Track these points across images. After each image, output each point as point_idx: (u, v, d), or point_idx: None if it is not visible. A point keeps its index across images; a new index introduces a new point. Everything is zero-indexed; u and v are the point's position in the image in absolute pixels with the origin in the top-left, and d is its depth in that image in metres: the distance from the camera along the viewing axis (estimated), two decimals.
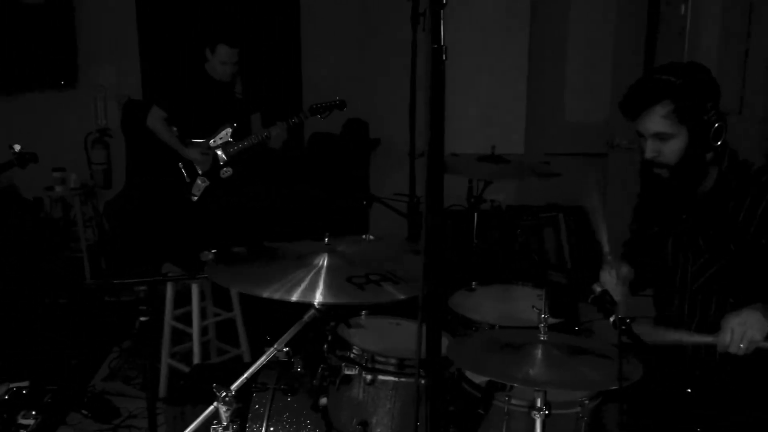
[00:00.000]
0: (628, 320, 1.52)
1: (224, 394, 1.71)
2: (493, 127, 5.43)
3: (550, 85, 5.48)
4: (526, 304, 2.73)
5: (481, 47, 5.38)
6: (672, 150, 2.02)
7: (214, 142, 3.91)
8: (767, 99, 4.73)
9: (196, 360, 3.49)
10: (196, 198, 3.92)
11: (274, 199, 4.69)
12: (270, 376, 2.46)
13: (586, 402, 2.06)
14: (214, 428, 1.71)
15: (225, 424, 1.71)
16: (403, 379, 2.06)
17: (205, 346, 3.74)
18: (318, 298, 1.70)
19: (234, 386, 1.73)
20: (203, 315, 3.68)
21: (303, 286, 1.73)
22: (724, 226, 2.08)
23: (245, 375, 1.76)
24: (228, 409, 1.72)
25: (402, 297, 1.76)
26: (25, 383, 3.53)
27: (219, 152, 3.90)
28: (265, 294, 1.65)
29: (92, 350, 4.10)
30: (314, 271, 1.80)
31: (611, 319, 1.56)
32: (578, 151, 5.24)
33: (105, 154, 5.50)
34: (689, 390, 1.87)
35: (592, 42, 5.37)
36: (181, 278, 2.87)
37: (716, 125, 2.00)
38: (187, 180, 3.91)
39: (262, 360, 1.77)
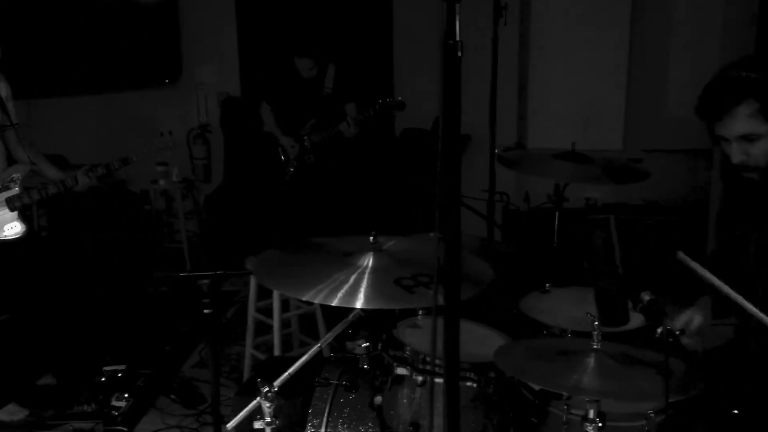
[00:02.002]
0: (677, 332, 1.41)
1: (267, 389, 1.73)
2: (591, 121, 5.24)
3: (653, 77, 5.20)
4: None
5: (580, 39, 5.19)
6: (762, 151, 1.86)
7: (303, 131, 4.44)
8: None
9: (276, 352, 3.57)
10: (288, 177, 4.48)
11: (362, 192, 4.85)
12: (334, 371, 2.48)
13: (652, 415, 1.94)
14: (257, 423, 1.73)
15: (268, 420, 1.73)
16: None
17: (287, 338, 3.82)
18: (360, 302, 1.67)
19: (277, 382, 1.75)
20: (286, 307, 3.76)
21: (345, 288, 1.70)
22: None
23: (289, 371, 1.77)
24: (271, 405, 1.73)
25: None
26: (122, 367, 3.75)
27: (306, 141, 4.44)
28: (306, 297, 1.64)
29: (185, 338, 4.28)
30: (358, 271, 1.77)
31: (659, 330, 1.45)
32: (681, 147, 4.96)
33: (205, 149, 5.73)
34: (735, 411, 1.72)
35: (698, 31, 5.05)
36: (240, 273, 2.95)
37: None
38: (282, 160, 4.49)
39: (306, 357, 1.78)
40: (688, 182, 5.16)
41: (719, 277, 2.07)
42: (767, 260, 2.00)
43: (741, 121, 1.85)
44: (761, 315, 1.80)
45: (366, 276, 1.76)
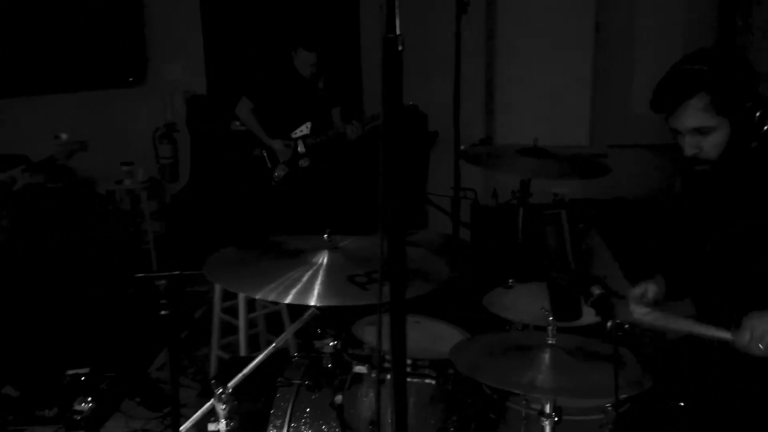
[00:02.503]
0: (626, 326, 1.42)
1: (221, 390, 1.70)
2: (558, 117, 5.27)
3: (618, 73, 5.24)
4: None
5: (546, 35, 5.22)
6: (713, 144, 1.87)
7: (295, 133, 4.24)
8: None
9: (242, 352, 3.54)
10: (275, 184, 4.27)
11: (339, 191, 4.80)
12: (297, 371, 2.46)
13: (610, 408, 1.95)
14: (211, 425, 1.71)
15: (223, 422, 1.70)
16: (415, 380, 2.01)
17: (254, 338, 3.79)
18: (314, 300, 1.66)
19: (231, 383, 1.73)
20: (252, 307, 3.73)
21: (299, 286, 1.69)
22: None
23: (243, 372, 1.74)
24: (225, 407, 1.71)
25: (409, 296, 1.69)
26: (86, 370, 3.68)
27: (299, 143, 4.22)
28: (259, 295, 1.63)
29: (151, 340, 4.23)
30: (313, 269, 1.76)
31: (608, 325, 1.46)
32: (646, 142, 5.00)
33: (172, 149, 5.66)
34: (682, 404, 1.74)
35: (661, 26, 5.10)
36: (195, 273, 2.91)
37: (759, 112, 1.84)
38: (269, 165, 4.25)
39: (261, 358, 1.76)
40: (654, 177, 5.21)
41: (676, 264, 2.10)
42: (728, 254, 2.02)
43: (692, 115, 1.86)
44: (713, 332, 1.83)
45: (320, 273, 1.75)
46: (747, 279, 1.98)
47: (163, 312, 2.18)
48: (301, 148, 4.21)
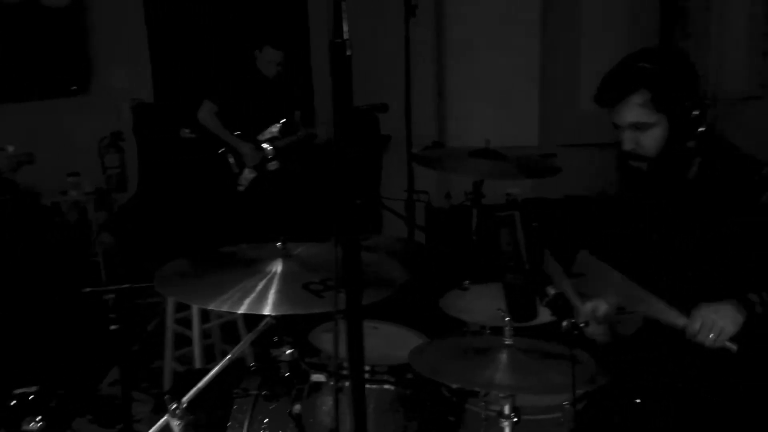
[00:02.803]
0: (582, 325, 1.43)
1: (174, 406, 1.66)
2: (508, 118, 5.32)
3: (564, 74, 5.33)
4: None
5: (494, 37, 5.27)
6: (651, 140, 1.92)
7: (263, 136, 4.12)
8: None
9: (197, 364, 3.47)
10: (242, 188, 4.14)
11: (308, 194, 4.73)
12: (254, 381, 2.42)
13: (566, 405, 1.97)
14: None
15: None
16: (374, 386, 1.99)
17: (209, 349, 3.72)
18: (269, 309, 1.63)
19: (186, 397, 1.69)
20: (206, 318, 3.66)
21: (253, 295, 1.66)
22: (708, 216, 1.97)
23: (198, 385, 1.70)
24: (180, 422, 1.66)
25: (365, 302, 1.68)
26: (34, 388, 3.56)
27: (267, 146, 4.09)
28: (212, 306, 1.59)
29: (102, 355, 4.12)
30: (267, 278, 1.73)
31: (564, 324, 1.47)
32: (594, 141, 5.08)
33: (118, 158, 5.54)
34: (638, 400, 1.77)
35: (605, 27, 5.21)
36: (146, 286, 2.85)
37: (696, 112, 1.89)
38: (236, 170, 4.12)
39: (216, 370, 1.72)
40: (602, 176, 5.30)
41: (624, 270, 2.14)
42: (671, 253, 2.06)
43: (633, 110, 1.89)
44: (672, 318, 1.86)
45: (275, 282, 1.72)
46: (692, 272, 2.03)
47: (112, 326, 2.12)
48: (270, 152, 4.10)
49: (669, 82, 1.87)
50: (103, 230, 5.36)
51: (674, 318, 1.85)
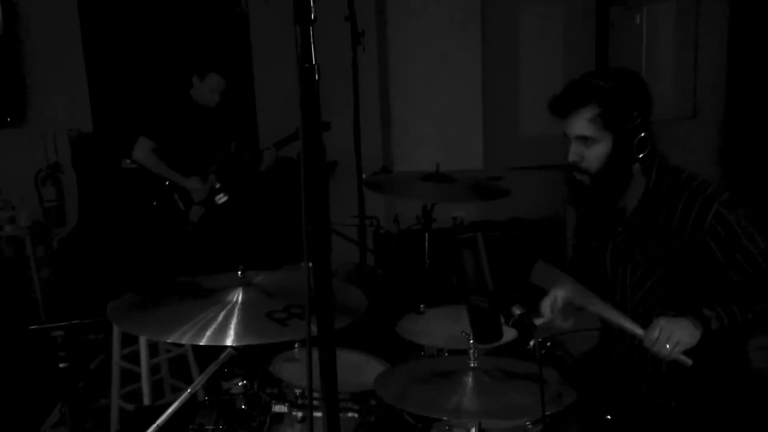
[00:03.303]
0: (548, 344, 1.44)
1: None
2: (452, 143, 5.39)
3: (506, 98, 5.45)
4: None
5: (436, 62, 5.35)
6: (594, 156, 1.97)
7: (208, 168, 3.96)
8: (717, 104, 4.76)
9: (146, 400, 3.36)
10: (192, 227, 3.96)
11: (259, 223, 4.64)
12: (210, 416, 2.35)
13: (529, 426, 1.97)
14: None
15: None
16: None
17: (158, 384, 3.61)
18: (231, 340, 1.59)
19: None
20: (154, 352, 3.55)
21: (214, 326, 1.62)
22: (657, 236, 2.02)
23: (157, 423, 1.65)
24: None
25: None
26: None
27: (213, 179, 3.95)
28: (171, 339, 1.54)
29: (44, 395, 3.95)
30: (228, 308, 1.69)
31: (531, 343, 1.48)
32: (537, 164, 5.20)
33: (56, 191, 5.37)
34: (608, 417, 1.80)
35: (543, 52, 5.37)
36: (97, 321, 2.76)
37: (641, 135, 1.95)
38: (182, 208, 3.93)
39: (176, 406, 1.66)
40: (547, 197, 5.42)
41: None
42: (623, 273, 2.11)
43: (581, 123, 1.95)
44: (629, 326, 1.91)
45: (236, 312, 1.68)
46: (646, 289, 2.08)
47: (62, 365, 2.03)
48: (216, 184, 3.95)
49: (618, 101, 1.93)
50: (42, 266, 5.18)
51: (630, 326, 1.89)
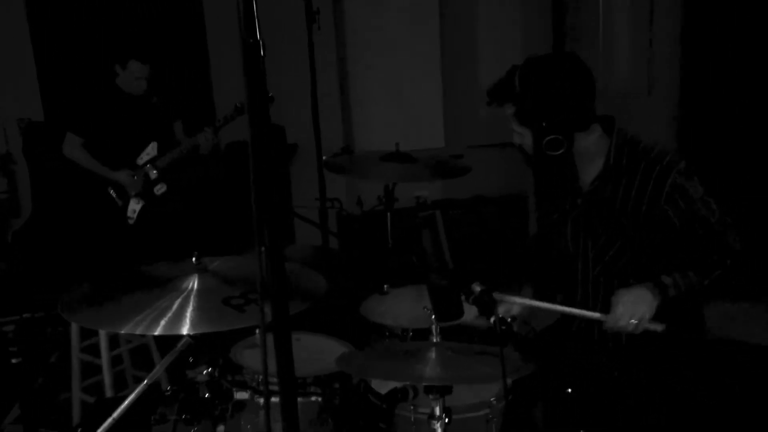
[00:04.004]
0: (509, 320, 1.44)
1: None
2: (413, 122, 5.37)
3: (465, 75, 5.44)
4: None
5: (394, 41, 5.31)
6: (527, 144, 2.01)
7: (141, 159, 3.81)
8: (673, 78, 4.81)
9: (108, 392, 3.29)
10: (132, 221, 3.80)
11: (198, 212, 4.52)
12: (172, 405, 2.31)
13: (494, 401, 1.98)
14: None
15: None
16: (300, 399, 1.94)
17: (120, 375, 3.54)
18: (188, 328, 1.54)
19: (100, 430, 1.58)
20: (115, 343, 3.48)
21: (169, 315, 1.57)
22: (616, 207, 2.04)
23: (113, 416, 1.60)
24: None
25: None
26: None
27: (149, 169, 3.79)
28: (125, 330, 1.50)
29: (2, 390, 3.85)
30: (183, 296, 1.65)
31: (491, 320, 1.47)
32: (497, 141, 5.20)
33: (8, 182, 5.22)
34: (569, 390, 1.81)
35: (501, 27, 5.36)
36: (52, 314, 2.69)
37: (550, 137, 1.94)
38: (119, 204, 3.80)
39: (132, 397, 1.62)
40: (509, 175, 5.43)
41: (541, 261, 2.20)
42: (584, 245, 2.13)
43: (509, 116, 2.02)
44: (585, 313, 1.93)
45: (191, 299, 1.64)
46: (608, 258, 2.09)
47: (14, 360, 1.96)
48: (152, 174, 3.80)
49: (532, 101, 1.93)
50: None
51: (588, 314, 1.91)
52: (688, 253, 1.96)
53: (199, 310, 1.60)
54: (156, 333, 1.50)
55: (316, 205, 4.16)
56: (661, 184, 1.97)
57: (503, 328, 1.46)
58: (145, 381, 1.64)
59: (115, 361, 3.42)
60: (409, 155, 3.06)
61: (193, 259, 1.72)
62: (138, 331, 1.51)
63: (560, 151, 1.96)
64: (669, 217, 1.96)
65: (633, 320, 1.82)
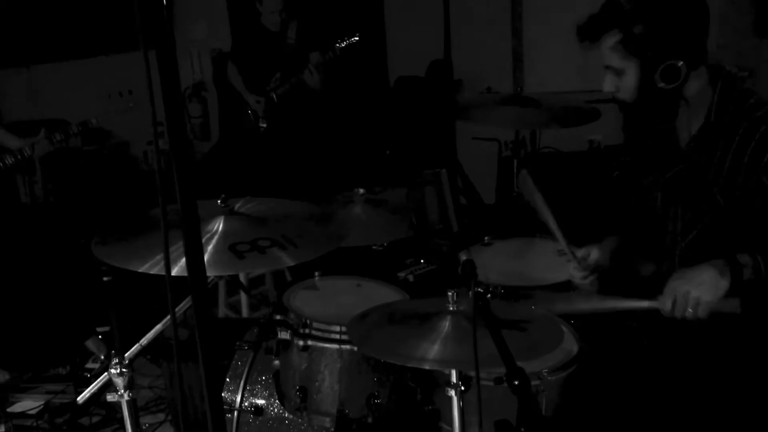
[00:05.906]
0: (488, 295, 1.30)
1: (116, 362, 1.68)
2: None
3: None
4: (543, 261, 2.48)
5: None
6: (627, 87, 1.73)
7: (268, 88, 4.17)
8: None
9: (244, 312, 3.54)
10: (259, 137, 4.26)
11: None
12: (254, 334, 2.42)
13: (545, 373, 1.83)
14: (109, 396, 1.69)
15: (120, 392, 1.69)
16: (335, 346, 1.93)
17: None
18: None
19: (128, 354, 1.70)
20: None
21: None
22: (709, 177, 1.72)
23: (140, 342, 1.72)
24: (123, 377, 1.69)
25: (288, 264, 1.61)
26: (106, 328, 3.75)
27: (272, 96, 4.15)
28: (142, 269, 1.56)
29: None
30: (204, 238, 1.68)
31: (470, 293, 1.34)
32: None
33: (201, 108, 5.70)
34: None
35: None
36: None
37: (668, 63, 1.62)
38: (252, 118, 4.25)
39: (158, 327, 1.72)
40: None
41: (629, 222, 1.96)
42: (674, 214, 1.85)
43: (606, 53, 1.71)
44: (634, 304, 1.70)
45: (214, 242, 1.67)
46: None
47: (105, 278, 2.16)
48: (274, 99, 4.14)
49: (644, 24, 1.62)
50: None
51: (636, 304, 1.67)
52: None
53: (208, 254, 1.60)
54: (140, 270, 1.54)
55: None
56: (763, 148, 1.62)
57: (480, 303, 1.31)
58: (167, 317, 1.71)
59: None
60: (529, 98, 2.85)
61: (219, 200, 1.75)
62: (154, 271, 1.55)
63: (676, 84, 1.67)
64: (762, 188, 1.62)
65: (690, 309, 1.55)
